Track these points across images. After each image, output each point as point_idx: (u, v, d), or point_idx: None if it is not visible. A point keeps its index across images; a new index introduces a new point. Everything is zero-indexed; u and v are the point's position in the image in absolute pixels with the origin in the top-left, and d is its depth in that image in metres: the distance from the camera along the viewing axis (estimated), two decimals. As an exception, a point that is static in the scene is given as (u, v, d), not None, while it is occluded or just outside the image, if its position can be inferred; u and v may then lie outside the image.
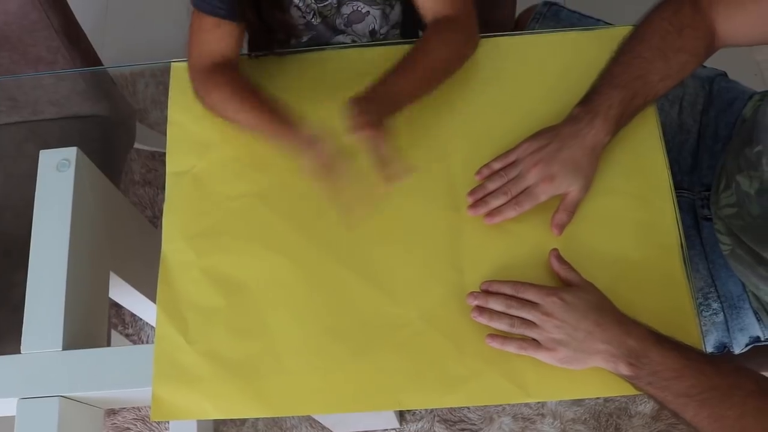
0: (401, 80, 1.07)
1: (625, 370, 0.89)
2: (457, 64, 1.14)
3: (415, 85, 1.08)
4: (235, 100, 1.10)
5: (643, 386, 0.89)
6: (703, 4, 1.02)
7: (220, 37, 1.12)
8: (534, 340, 0.94)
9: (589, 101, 1.02)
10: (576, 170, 1.01)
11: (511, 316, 0.95)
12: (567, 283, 0.98)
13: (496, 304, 0.97)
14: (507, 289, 0.97)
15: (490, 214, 1.03)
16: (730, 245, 1.13)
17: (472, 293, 0.99)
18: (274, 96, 1.11)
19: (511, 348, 0.96)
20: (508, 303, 0.96)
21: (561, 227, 1.02)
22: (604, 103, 1.01)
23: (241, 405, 0.99)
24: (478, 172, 1.06)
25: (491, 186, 1.04)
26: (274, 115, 1.07)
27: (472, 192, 1.05)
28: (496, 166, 1.05)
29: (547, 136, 1.03)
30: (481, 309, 0.98)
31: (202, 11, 1.11)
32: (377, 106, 1.01)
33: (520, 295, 0.96)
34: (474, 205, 1.04)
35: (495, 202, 1.03)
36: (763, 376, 0.87)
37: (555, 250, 1.00)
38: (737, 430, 0.85)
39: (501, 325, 0.96)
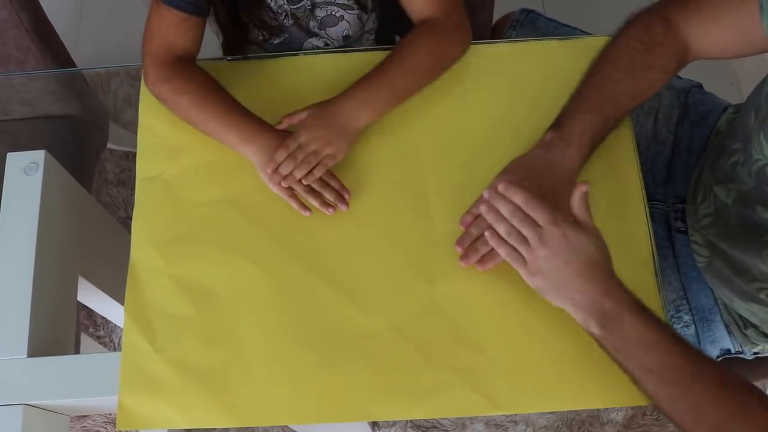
0: (377, 91, 1.07)
1: (594, 328, 0.89)
2: (442, 65, 1.13)
3: (395, 88, 1.08)
4: (200, 109, 1.09)
5: (609, 349, 0.89)
6: (676, 20, 1.02)
7: (183, 31, 1.11)
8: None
9: (561, 127, 1.01)
10: (557, 201, 0.99)
11: (511, 225, 0.94)
12: (575, 217, 0.94)
13: (503, 208, 0.94)
14: (519, 199, 0.93)
15: (482, 260, 1.01)
16: (707, 257, 1.13)
17: (489, 189, 0.97)
18: (239, 102, 1.10)
19: (502, 250, 0.95)
20: (513, 212, 0.93)
21: None
22: (576, 129, 1.00)
23: (209, 415, 0.98)
24: (461, 221, 1.03)
25: (476, 232, 1.01)
26: (236, 131, 1.07)
27: (459, 241, 1.02)
28: (477, 210, 1.02)
29: (522, 171, 1.01)
30: (489, 206, 0.96)
31: (166, 4, 1.09)
32: (328, 130, 1.05)
33: (529, 210, 0.92)
34: (465, 255, 1.01)
35: (484, 248, 1.00)
36: (729, 370, 0.87)
37: (585, 186, 0.93)
38: (693, 416, 0.84)
39: (499, 228, 0.95)
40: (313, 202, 1.05)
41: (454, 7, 1.13)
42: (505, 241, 0.95)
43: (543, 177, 1.00)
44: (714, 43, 1.01)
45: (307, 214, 1.05)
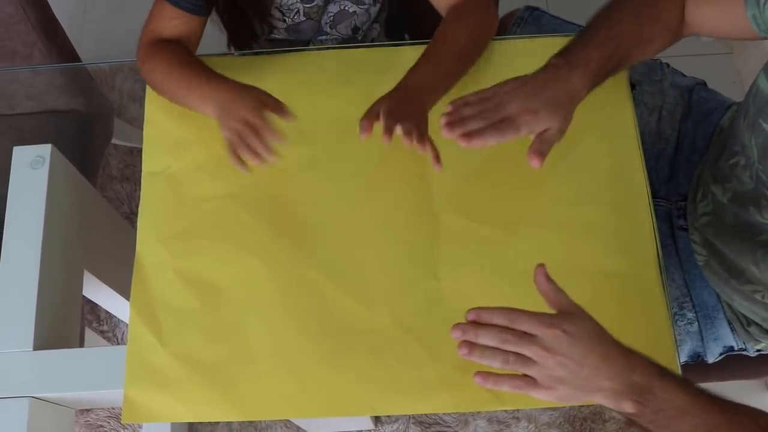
0: (430, 70, 1.05)
1: (629, 407, 0.81)
2: (480, 45, 1.13)
3: (444, 74, 1.07)
4: (169, 79, 1.10)
5: (644, 424, 0.83)
6: None
7: (179, 26, 1.13)
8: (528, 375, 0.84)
9: (567, 53, 1.01)
10: (557, 110, 0.95)
11: (506, 351, 0.83)
12: (557, 308, 0.86)
13: (488, 339, 0.83)
14: (499, 320, 0.84)
15: (467, 136, 0.92)
16: (706, 256, 1.14)
17: (458, 326, 0.85)
18: (209, 68, 1.11)
19: (504, 387, 0.85)
20: (503, 337, 0.83)
21: (541, 155, 0.94)
22: (582, 57, 0.99)
23: (214, 408, 0.99)
24: (450, 103, 0.96)
25: (467, 111, 0.94)
26: (198, 92, 1.07)
27: (445, 114, 0.94)
28: (471, 98, 0.96)
29: (525, 78, 0.98)
30: (470, 345, 0.84)
31: (167, 0, 1.11)
32: (406, 106, 0.98)
33: (515, 326, 0.83)
34: (448, 124, 0.93)
35: (473, 124, 0.93)
36: (760, 412, 0.83)
37: (542, 266, 0.88)
38: None
39: (494, 363, 0.83)
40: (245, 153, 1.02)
41: None
42: (503, 377, 0.85)
43: (546, 88, 0.96)
44: (705, 18, 1.03)
45: (244, 169, 1.03)
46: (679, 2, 1.04)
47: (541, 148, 0.95)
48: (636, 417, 0.82)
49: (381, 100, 1.00)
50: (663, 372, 0.83)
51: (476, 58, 1.12)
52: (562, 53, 1.01)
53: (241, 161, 1.03)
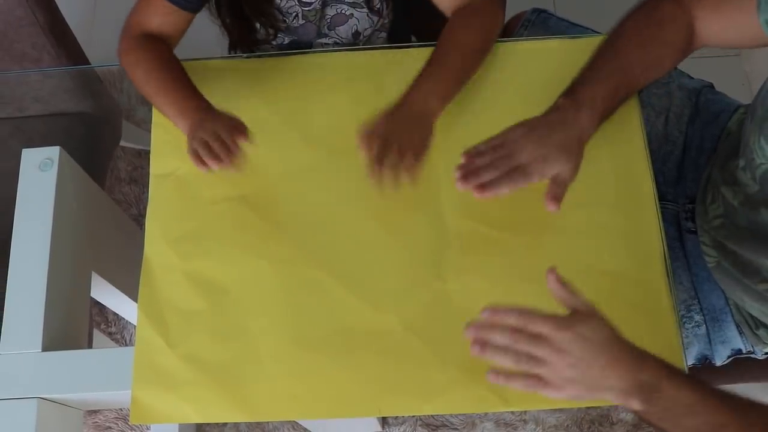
0: (440, 76, 1.06)
1: (637, 405, 0.83)
2: (486, 46, 1.13)
3: (453, 79, 1.08)
4: (149, 82, 1.10)
5: (653, 421, 0.84)
6: (685, 1, 1.04)
7: (167, 19, 1.13)
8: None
9: (573, 93, 1.02)
10: (567, 154, 0.99)
11: (518, 351, 0.85)
12: (571, 309, 0.88)
13: (501, 338, 0.86)
14: (513, 320, 0.86)
15: (481, 187, 0.96)
16: (716, 257, 1.13)
17: (472, 325, 0.88)
18: (190, 81, 1.11)
19: (516, 385, 0.86)
20: (515, 336, 0.85)
21: (557, 200, 0.98)
22: (588, 96, 1.01)
23: (221, 409, 0.99)
24: (464, 153, 0.99)
25: (480, 161, 0.98)
26: (175, 106, 1.07)
27: (459, 166, 0.98)
28: (483, 147, 1.00)
29: (533, 123, 1.01)
30: (483, 343, 0.86)
31: None
32: (408, 125, 1.01)
33: (530, 327, 0.85)
34: (463, 177, 0.97)
35: (486, 176, 0.97)
36: None
37: (553, 271, 0.89)
38: None
39: (506, 361, 0.85)
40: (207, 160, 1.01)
41: None
42: (515, 375, 0.86)
43: (554, 131, 0.99)
44: (715, 30, 1.03)
45: (204, 169, 1.02)
46: (685, 19, 1.03)
47: (556, 191, 0.99)
48: (645, 414, 0.84)
49: (381, 120, 1.01)
50: (672, 371, 0.85)
51: (483, 60, 1.13)
52: (568, 92, 1.03)
53: (204, 164, 1.02)
